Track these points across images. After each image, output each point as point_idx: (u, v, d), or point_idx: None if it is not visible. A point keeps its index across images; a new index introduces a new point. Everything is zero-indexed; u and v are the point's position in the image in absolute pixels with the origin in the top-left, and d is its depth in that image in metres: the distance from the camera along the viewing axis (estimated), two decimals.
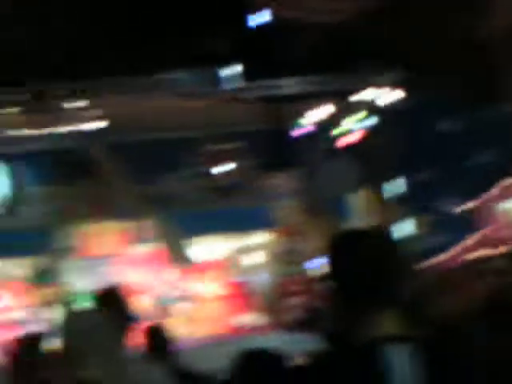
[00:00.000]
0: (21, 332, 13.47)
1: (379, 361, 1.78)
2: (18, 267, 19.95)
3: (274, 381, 2.66)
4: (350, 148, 17.52)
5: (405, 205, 18.52)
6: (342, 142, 16.99)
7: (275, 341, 13.06)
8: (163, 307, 15.25)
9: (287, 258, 16.79)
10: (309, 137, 16.57)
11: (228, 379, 2.80)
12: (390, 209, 18.92)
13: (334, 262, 1.98)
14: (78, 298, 15.32)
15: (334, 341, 3.75)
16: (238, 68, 15.39)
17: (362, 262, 1.91)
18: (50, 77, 14.84)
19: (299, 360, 8.04)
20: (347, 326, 1.91)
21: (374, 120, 17.02)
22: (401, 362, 1.77)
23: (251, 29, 13.27)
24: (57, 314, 14.87)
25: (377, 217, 19.74)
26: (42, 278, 16.91)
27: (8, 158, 19.55)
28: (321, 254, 17.56)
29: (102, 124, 15.94)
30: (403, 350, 1.80)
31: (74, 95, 15.35)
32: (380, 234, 2.06)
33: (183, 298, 15.60)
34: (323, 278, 2.06)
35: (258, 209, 18.25)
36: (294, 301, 15.79)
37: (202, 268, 17.03)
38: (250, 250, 21.01)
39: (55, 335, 2.79)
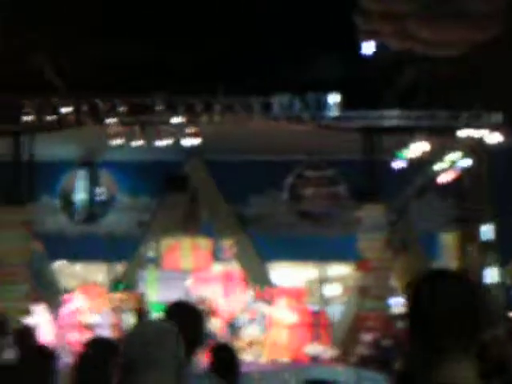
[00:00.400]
0: (91, 335, 13.82)
1: None
2: (98, 272, 20.37)
3: None
4: (446, 185, 17.10)
5: (495, 250, 17.97)
6: (438, 179, 16.59)
7: (343, 374, 12.83)
8: (233, 328, 15.17)
9: (367, 293, 16.44)
10: (405, 170, 16.26)
11: None
12: (479, 252, 18.42)
13: (415, 303, 1.93)
14: (152, 308, 15.44)
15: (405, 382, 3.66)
16: (340, 96, 15.31)
17: (445, 305, 1.86)
18: (152, 90, 15.10)
19: None
20: (423, 369, 1.84)
21: (473, 160, 16.58)
22: None
23: (359, 57, 13.15)
24: (128, 322, 15.02)
25: (466, 259, 19.26)
26: (120, 285, 17.11)
27: (102, 166, 20.05)
28: (402, 292, 17.20)
29: (200, 141, 16.03)
30: None
31: (175, 110, 15.53)
32: (465, 278, 1.97)
33: (254, 321, 15.47)
34: (403, 317, 1.97)
35: (345, 239, 17.99)
36: (368, 337, 15.46)
37: (279, 293, 16.88)
38: (330, 280, 20.79)
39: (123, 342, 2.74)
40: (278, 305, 16.17)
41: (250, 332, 15.36)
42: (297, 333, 15.57)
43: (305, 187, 19.67)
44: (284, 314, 15.48)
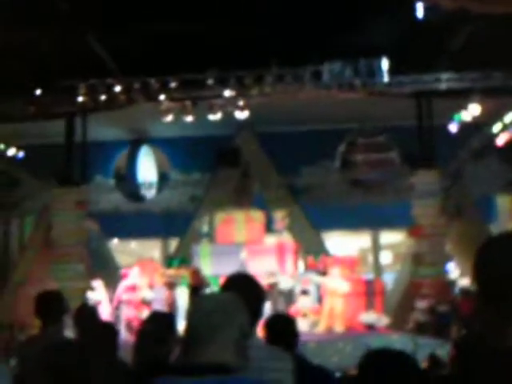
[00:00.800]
0: (148, 310, 13.97)
1: None
2: (153, 249, 20.60)
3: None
4: (502, 148, 16.76)
5: None
6: (495, 141, 16.26)
7: (399, 342, 12.74)
8: (288, 299, 15.17)
9: (421, 259, 16.25)
10: (460, 134, 15.97)
11: (354, 378, 2.62)
12: None
13: (485, 267, 1.89)
14: (208, 282, 15.49)
15: (467, 346, 3.56)
16: (391, 61, 15.05)
17: None
18: (202, 65, 15.06)
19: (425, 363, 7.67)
20: (490, 331, 1.83)
21: None
22: None
23: (410, 20, 12.88)
24: (183, 297, 15.11)
25: None
26: (175, 260, 17.24)
27: (155, 143, 20.19)
28: (458, 258, 16.99)
29: (250, 113, 15.97)
30: None
31: (226, 84, 15.48)
32: None
33: (308, 292, 15.44)
34: (472, 283, 1.90)
35: (398, 206, 17.82)
36: (423, 303, 15.32)
37: (332, 262, 16.81)
38: (384, 248, 20.68)
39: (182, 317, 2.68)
40: (331, 274, 16.11)
41: (303, 303, 15.37)
42: (351, 302, 15.50)
43: (356, 155, 19.54)
44: (338, 283, 15.42)
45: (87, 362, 3.45)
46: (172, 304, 15.09)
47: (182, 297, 15.00)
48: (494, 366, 1.75)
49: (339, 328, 15.05)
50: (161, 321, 4.38)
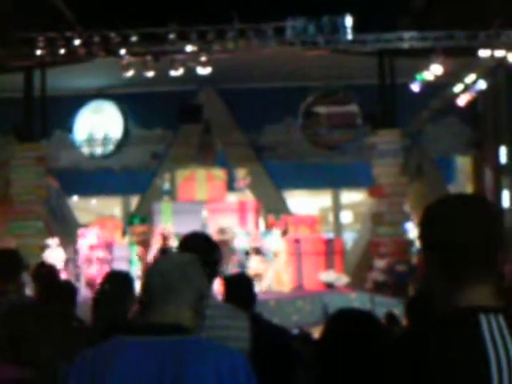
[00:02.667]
0: (109, 268, 13.90)
1: (475, 330, 1.71)
2: (113, 206, 20.47)
3: (365, 341, 2.51)
4: (463, 108, 16.85)
5: (509, 174, 17.83)
6: (456, 102, 16.34)
7: (357, 300, 12.92)
8: (247, 258, 15.17)
9: (381, 219, 16.39)
10: (422, 94, 15.99)
11: (316, 338, 2.67)
12: (495, 176, 18.31)
13: (432, 229, 1.83)
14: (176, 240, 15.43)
15: (419, 306, 3.67)
16: (355, 19, 14.97)
17: (465, 231, 1.78)
18: (163, 19, 14.82)
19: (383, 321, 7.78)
20: (444, 294, 1.81)
21: (490, 82, 16.28)
22: (496, 331, 1.72)
23: None
24: (147, 254, 15.09)
25: (481, 183, 19.17)
26: (136, 218, 17.13)
27: (116, 98, 19.90)
28: (417, 217, 17.16)
29: (213, 69, 15.79)
30: (498, 320, 1.73)
31: (187, 39, 15.27)
32: (484, 203, 1.87)
33: (267, 251, 15.46)
34: (419, 244, 1.90)
35: (359, 165, 17.91)
36: (381, 262, 15.50)
37: (293, 222, 16.88)
38: (344, 207, 20.82)
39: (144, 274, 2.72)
40: (292, 233, 16.19)
41: (264, 261, 15.34)
42: (311, 261, 15.61)
43: (319, 113, 19.49)
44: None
45: (44, 320, 3.42)
46: (144, 262, 14.97)
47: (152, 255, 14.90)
48: (438, 330, 1.74)
49: (298, 287, 15.18)
50: (119, 280, 4.36)
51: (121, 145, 20.14)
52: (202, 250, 2.98)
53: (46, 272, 6.48)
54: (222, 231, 14.96)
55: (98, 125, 20.14)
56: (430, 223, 1.86)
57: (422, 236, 1.88)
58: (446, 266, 1.81)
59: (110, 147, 20.17)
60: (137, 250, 15.58)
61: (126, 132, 20.12)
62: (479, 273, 1.79)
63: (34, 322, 3.32)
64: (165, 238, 15.10)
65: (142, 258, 15.27)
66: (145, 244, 15.81)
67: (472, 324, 1.74)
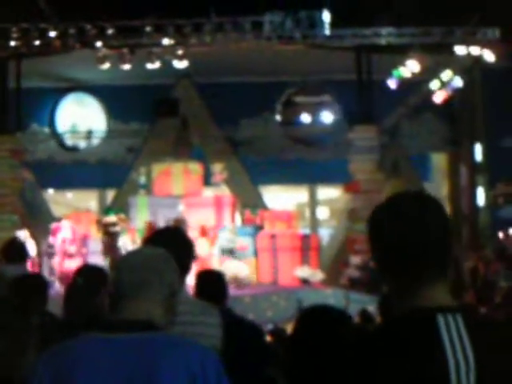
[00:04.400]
0: (82, 263, 13.77)
1: (433, 330, 1.71)
2: (89, 199, 20.34)
3: (336, 339, 2.51)
4: (439, 106, 16.92)
5: (485, 172, 17.96)
6: (432, 98, 16.39)
7: (332, 297, 12.94)
8: (222, 253, 15.14)
9: (356, 215, 16.42)
10: (399, 90, 16.03)
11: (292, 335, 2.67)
12: (470, 174, 18.44)
13: (381, 233, 1.81)
14: (142, 234, 15.34)
15: (387, 306, 3.69)
16: (333, 14, 14.98)
17: (413, 231, 1.76)
18: (140, 12, 14.73)
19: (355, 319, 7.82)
20: (399, 295, 1.80)
21: (467, 79, 16.36)
22: (454, 331, 1.71)
23: None
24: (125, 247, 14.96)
25: (457, 180, 19.30)
26: (111, 211, 17.02)
27: (92, 91, 19.75)
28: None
29: (190, 63, 15.73)
30: (456, 319, 1.73)
31: (164, 32, 15.20)
32: (431, 201, 1.84)
33: (243, 246, 15.44)
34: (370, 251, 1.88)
35: (336, 161, 17.92)
36: (356, 259, 15.53)
37: (269, 217, 16.88)
38: (321, 203, 20.86)
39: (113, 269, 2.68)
40: (268, 228, 16.19)
41: (239, 256, 15.28)
42: (286, 256, 15.61)
43: (296, 111, 19.47)
44: (273, 237, 15.43)
45: (15, 314, 3.36)
46: (114, 252, 14.84)
47: (126, 246, 14.78)
48: (394, 330, 1.74)
49: (273, 282, 15.18)
50: (92, 274, 4.31)
51: (97, 138, 20.02)
52: (175, 245, 2.94)
53: (17, 247, 6.53)
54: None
55: (74, 117, 19.99)
56: (377, 226, 1.84)
57: (371, 239, 1.85)
58: (398, 268, 1.79)
59: (87, 141, 20.04)
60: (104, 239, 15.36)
61: (102, 125, 20.00)
62: (432, 272, 1.78)
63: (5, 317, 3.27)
64: (150, 230, 14.91)
65: (108, 250, 15.12)
66: (113, 236, 15.60)
67: (429, 324, 1.72)
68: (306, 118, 19.28)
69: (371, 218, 1.85)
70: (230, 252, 15.02)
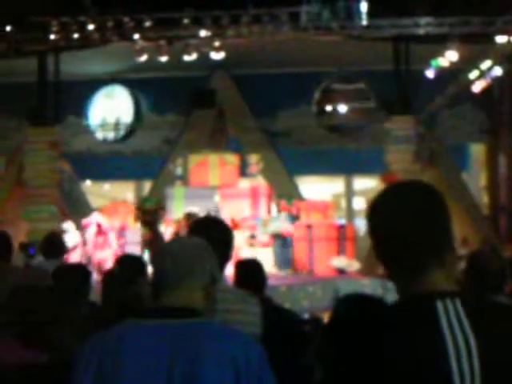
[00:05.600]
0: (120, 253, 13.86)
1: (432, 315, 1.71)
2: (126, 191, 20.49)
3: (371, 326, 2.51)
4: (478, 95, 16.72)
5: None
6: (471, 88, 16.20)
7: (369, 286, 12.87)
8: (259, 242, 15.16)
9: None
10: (438, 80, 15.86)
11: (325, 322, 2.66)
12: (509, 164, 18.20)
13: (378, 223, 1.83)
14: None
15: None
16: (370, 4, 14.87)
17: (407, 220, 1.77)
18: (177, 4, 14.78)
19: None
20: (400, 283, 1.82)
21: (506, 68, 16.11)
22: (453, 316, 1.71)
23: None
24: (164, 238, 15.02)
25: (495, 170, 19.06)
26: (149, 202, 17.12)
27: (129, 84, 19.90)
28: None
29: (226, 55, 15.75)
30: (455, 305, 1.73)
31: (202, 24, 15.23)
32: (425, 189, 1.83)
33: (280, 236, 15.43)
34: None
35: (372, 151, 17.81)
36: None
37: (305, 207, 16.83)
38: (357, 194, 20.76)
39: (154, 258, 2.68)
40: (304, 219, 16.16)
41: (276, 246, 15.32)
42: (323, 246, 15.57)
43: (333, 101, 19.42)
44: (310, 227, 15.41)
45: (57, 304, 3.42)
46: (153, 241, 14.91)
47: (165, 235, 14.85)
48: (394, 316, 1.77)
49: (310, 272, 15.15)
50: (129, 263, 4.36)
51: (132, 130, 20.17)
52: (214, 234, 2.96)
53: (56, 240, 6.64)
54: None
55: (111, 110, 20.17)
56: (374, 217, 1.85)
57: (370, 230, 1.86)
58: (396, 256, 1.80)
59: (121, 132, 20.20)
60: (144, 232, 15.44)
61: (138, 117, 20.14)
62: (430, 260, 1.78)
63: (47, 304, 3.32)
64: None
65: (149, 240, 15.19)
66: (153, 225, 15.65)
67: (428, 309, 1.73)
68: (342, 107, 19.23)
69: (369, 208, 1.86)
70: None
